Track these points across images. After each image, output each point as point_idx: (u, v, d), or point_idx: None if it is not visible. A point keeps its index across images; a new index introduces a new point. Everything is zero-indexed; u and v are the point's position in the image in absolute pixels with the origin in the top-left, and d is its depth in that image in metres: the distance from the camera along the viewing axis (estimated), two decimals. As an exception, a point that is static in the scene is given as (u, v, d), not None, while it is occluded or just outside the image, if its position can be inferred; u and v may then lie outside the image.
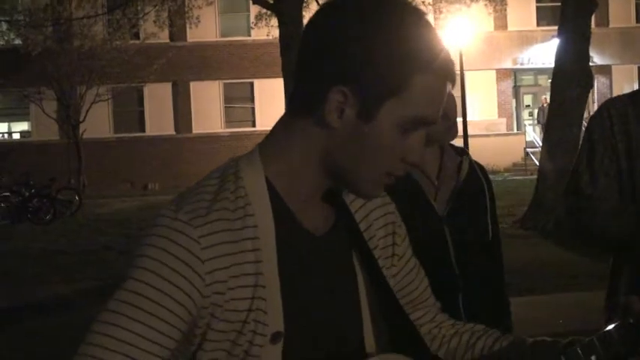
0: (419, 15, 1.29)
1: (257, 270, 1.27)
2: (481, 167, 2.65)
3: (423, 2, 21.41)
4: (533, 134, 29.13)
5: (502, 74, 30.68)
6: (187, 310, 1.23)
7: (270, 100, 27.57)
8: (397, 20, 1.27)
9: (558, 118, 13.33)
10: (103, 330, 1.21)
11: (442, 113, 1.35)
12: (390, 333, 1.42)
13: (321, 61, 1.28)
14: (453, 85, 1.37)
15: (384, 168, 1.31)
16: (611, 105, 2.40)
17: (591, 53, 13.94)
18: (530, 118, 30.64)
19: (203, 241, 1.24)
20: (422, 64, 1.27)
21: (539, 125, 29.13)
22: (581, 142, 2.45)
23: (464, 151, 2.61)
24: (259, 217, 1.29)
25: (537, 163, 14.67)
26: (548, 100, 28.37)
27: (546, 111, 28.13)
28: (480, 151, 26.36)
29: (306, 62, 1.32)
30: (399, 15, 1.28)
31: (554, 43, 14.26)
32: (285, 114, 1.38)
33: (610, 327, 1.37)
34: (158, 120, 28.69)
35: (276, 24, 16.71)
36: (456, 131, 2.50)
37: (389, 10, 1.28)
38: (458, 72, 23.01)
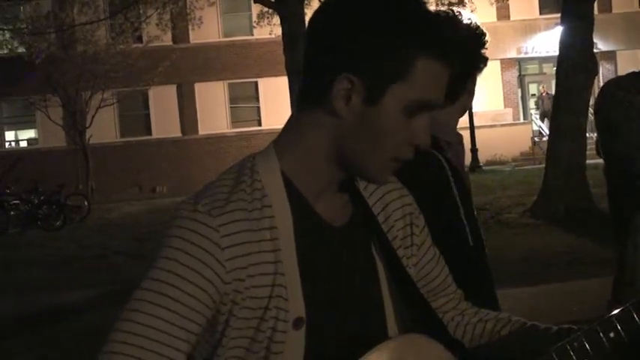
0: (422, 1, 1.34)
1: (276, 258, 1.31)
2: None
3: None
4: (540, 123, 29.08)
5: (507, 64, 30.62)
6: (210, 296, 1.28)
7: (275, 99, 27.58)
8: (400, 6, 1.31)
9: (564, 105, 13.29)
10: (131, 317, 1.26)
11: None
12: (412, 321, 1.45)
13: (326, 52, 1.32)
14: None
15: (392, 152, 1.34)
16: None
17: (595, 39, 13.90)
18: (537, 107, 30.61)
19: (222, 229, 1.28)
20: (427, 45, 1.30)
21: (539, 113, 29.21)
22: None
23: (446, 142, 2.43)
24: (276, 208, 1.34)
25: (545, 152, 14.62)
26: (546, 90, 28.80)
27: (545, 100, 28.52)
28: (488, 142, 26.39)
29: (312, 55, 1.36)
30: (403, 1, 1.32)
31: (558, 31, 14.23)
32: (295, 110, 1.41)
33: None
34: (164, 122, 28.73)
35: (279, 22, 16.71)
36: None
37: None
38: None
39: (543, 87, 29.48)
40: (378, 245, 1.45)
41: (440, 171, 2.13)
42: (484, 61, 2.22)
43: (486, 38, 2.20)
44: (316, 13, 1.37)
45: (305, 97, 1.38)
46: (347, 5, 1.33)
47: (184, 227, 1.29)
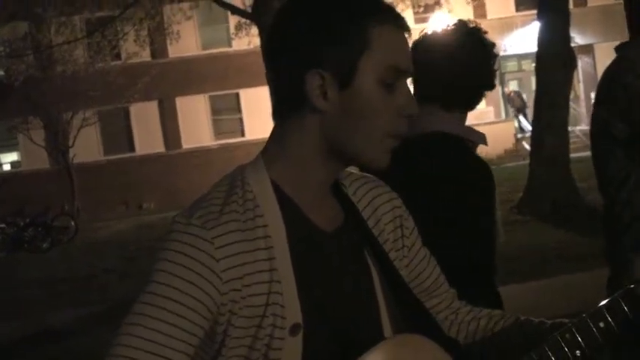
0: None
1: (271, 266, 1.34)
2: None
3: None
4: (521, 119, 29.26)
5: (486, 63, 30.73)
6: (207, 307, 1.30)
7: (257, 109, 27.55)
8: None
9: (545, 100, 13.36)
10: (129, 331, 1.28)
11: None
12: (407, 323, 1.46)
13: (288, 56, 1.36)
14: (409, 33, 1.42)
15: (384, 128, 1.37)
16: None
17: (572, 34, 13.97)
18: (510, 105, 30.92)
19: (217, 241, 1.31)
20: (374, 16, 1.35)
21: (513, 111, 29.56)
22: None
23: None
24: (268, 217, 1.36)
25: (528, 148, 14.68)
26: (512, 91, 29.02)
27: (515, 99, 28.80)
28: (471, 141, 26.44)
29: (277, 63, 1.39)
30: None
31: (535, 28, 14.30)
32: (276, 120, 1.43)
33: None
34: (147, 138, 28.65)
35: (257, 33, 16.71)
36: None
37: None
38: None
39: (508, 88, 29.91)
40: (370, 249, 1.47)
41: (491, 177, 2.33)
42: (495, 74, 2.35)
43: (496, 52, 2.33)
44: (271, 25, 1.41)
45: (283, 105, 1.40)
46: (292, 8, 1.39)
47: (179, 241, 1.31)
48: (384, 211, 1.53)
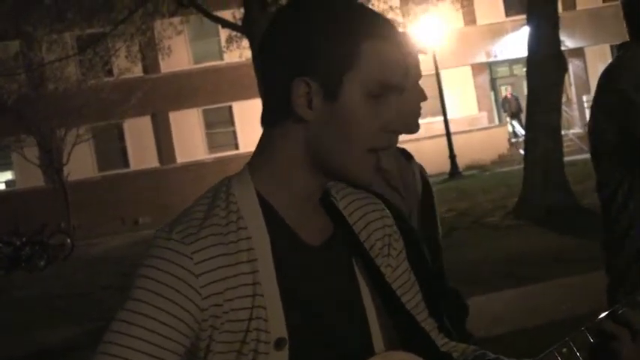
0: None
1: (254, 280, 1.30)
2: (424, 170, 2.40)
3: (391, 7, 21.50)
4: (514, 123, 29.32)
5: (477, 69, 30.82)
6: (187, 324, 1.27)
7: (250, 122, 27.54)
8: (331, 3, 1.35)
9: (537, 105, 13.40)
10: (106, 350, 1.25)
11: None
12: (399, 336, 1.44)
13: (276, 63, 1.35)
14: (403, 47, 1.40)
15: (366, 142, 1.33)
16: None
17: (562, 37, 14.03)
18: (503, 109, 30.93)
19: (196, 256, 1.27)
20: (367, 30, 1.32)
21: (507, 116, 29.51)
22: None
23: (409, 153, 2.37)
24: (252, 229, 1.33)
25: (522, 153, 14.72)
26: (511, 91, 29.04)
27: (512, 102, 28.80)
28: (465, 148, 26.49)
29: (264, 71, 1.38)
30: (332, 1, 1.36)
31: (526, 32, 14.36)
32: (263, 132, 1.42)
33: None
34: (141, 154, 28.66)
35: (248, 45, 16.77)
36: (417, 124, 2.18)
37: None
38: (433, 72, 23.12)
39: (507, 89, 29.84)
40: (361, 263, 1.44)
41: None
42: None
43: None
44: (263, 34, 1.39)
45: (269, 114, 1.39)
46: (285, 16, 1.36)
47: (158, 257, 1.29)
48: (376, 227, 1.50)
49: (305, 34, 1.32)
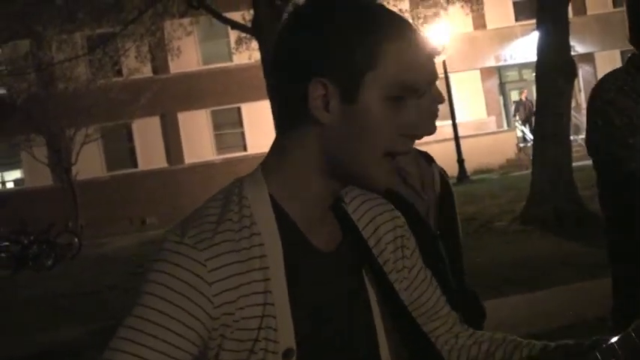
0: None
1: (266, 288, 1.27)
2: (445, 173, 2.43)
3: (400, 10, 21.50)
4: (523, 129, 29.21)
5: (486, 73, 30.77)
6: (197, 333, 1.23)
7: (259, 123, 27.60)
8: (350, 2, 1.31)
9: (546, 110, 13.35)
10: (113, 357, 1.22)
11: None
12: (406, 347, 1.42)
13: (292, 63, 1.30)
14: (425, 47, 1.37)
15: (384, 146, 1.29)
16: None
17: (572, 42, 13.98)
18: (516, 112, 30.76)
19: (209, 263, 1.24)
20: (387, 32, 1.28)
21: (519, 120, 29.26)
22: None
23: (430, 157, 2.40)
24: (265, 235, 1.30)
25: (530, 158, 14.68)
26: (527, 94, 28.88)
27: (527, 105, 28.60)
28: (473, 152, 26.45)
29: (280, 71, 1.34)
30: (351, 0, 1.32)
31: (535, 37, 14.31)
32: (277, 134, 1.38)
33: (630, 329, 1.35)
34: (149, 154, 28.70)
35: (257, 47, 16.77)
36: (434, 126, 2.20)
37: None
38: (442, 75, 23.10)
39: (524, 92, 29.58)
40: (370, 270, 1.42)
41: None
42: None
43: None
44: (278, 34, 1.35)
45: (284, 116, 1.35)
46: (303, 15, 1.32)
47: (169, 262, 1.25)
48: (386, 230, 1.48)
49: (323, 34, 1.27)
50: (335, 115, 1.28)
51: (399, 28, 1.30)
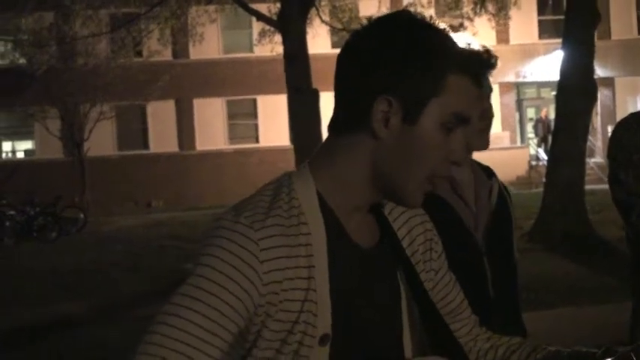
0: (441, 27, 1.42)
1: (309, 274, 1.35)
2: (506, 188, 2.44)
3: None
4: (537, 147, 29.14)
5: (505, 88, 30.70)
6: (245, 306, 1.31)
7: (273, 116, 27.62)
8: (425, 29, 1.40)
9: (564, 131, 13.33)
10: (167, 320, 1.29)
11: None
12: (432, 346, 1.49)
13: (362, 76, 1.38)
14: (486, 83, 1.50)
15: (430, 169, 1.39)
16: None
17: (594, 66, 13.94)
18: (535, 130, 30.69)
19: (262, 243, 1.32)
20: (456, 63, 1.38)
21: (537, 138, 29.21)
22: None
23: (491, 171, 2.41)
24: (312, 225, 1.38)
25: (542, 177, 14.65)
26: (547, 114, 28.83)
27: (546, 124, 28.54)
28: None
29: (348, 79, 1.41)
30: (426, 27, 1.40)
31: (557, 56, 14.30)
32: (329, 134, 1.46)
33: None
34: (162, 137, 28.73)
35: (280, 40, 16.76)
36: (488, 140, 2.27)
37: (417, 24, 1.40)
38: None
39: (544, 110, 29.49)
40: (402, 269, 1.50)
41: None
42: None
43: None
44: (351, 38, 1.44)
45: (341, 121, 1.43)
46: (380, 31, 1.40)
47: (226, 237, 1.33)
48: (418, 233, 1.56)
49: (399, 55, 1.36)
50: (393, 132, 1.37)
51: (466, 62, 1.42)
